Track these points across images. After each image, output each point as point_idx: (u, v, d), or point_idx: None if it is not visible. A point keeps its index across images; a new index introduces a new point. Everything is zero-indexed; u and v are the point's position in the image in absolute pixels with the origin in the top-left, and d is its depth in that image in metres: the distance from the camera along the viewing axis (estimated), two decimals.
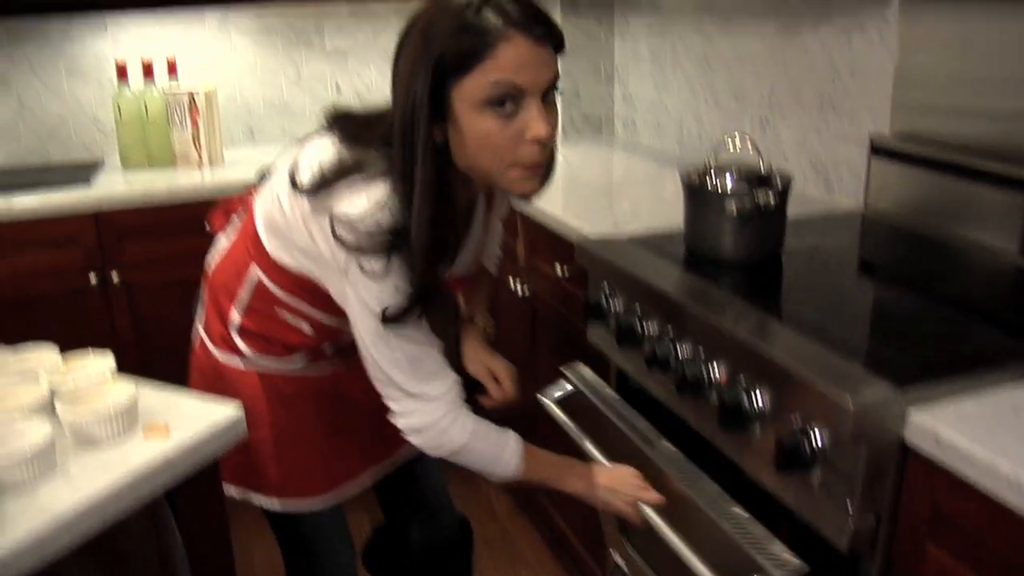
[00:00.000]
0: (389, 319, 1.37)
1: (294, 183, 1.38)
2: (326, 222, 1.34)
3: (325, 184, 1.34)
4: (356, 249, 1.32)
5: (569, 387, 1.88)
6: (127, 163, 2.95)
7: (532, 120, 1.28)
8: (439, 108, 1.29)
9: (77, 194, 2.63)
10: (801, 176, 2.38)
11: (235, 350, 1.62)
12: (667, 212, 2.11)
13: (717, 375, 1.43)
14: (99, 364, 1.38)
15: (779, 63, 2.41)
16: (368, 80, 3.34)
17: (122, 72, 2.90)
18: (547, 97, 1.31)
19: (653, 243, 1.86)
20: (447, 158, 1.35)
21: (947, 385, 1.17)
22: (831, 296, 1.62)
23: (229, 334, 1.62)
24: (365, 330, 1.41)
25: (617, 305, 1.76)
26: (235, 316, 1.60)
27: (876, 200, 2.09)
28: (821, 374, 1.20)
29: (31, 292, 2.63)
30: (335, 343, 1.63)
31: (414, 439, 1.49)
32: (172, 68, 2.97)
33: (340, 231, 1.32)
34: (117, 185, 2.72)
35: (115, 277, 2.66)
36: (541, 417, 1.86)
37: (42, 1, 2.67)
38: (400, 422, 1.48)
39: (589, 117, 3.26)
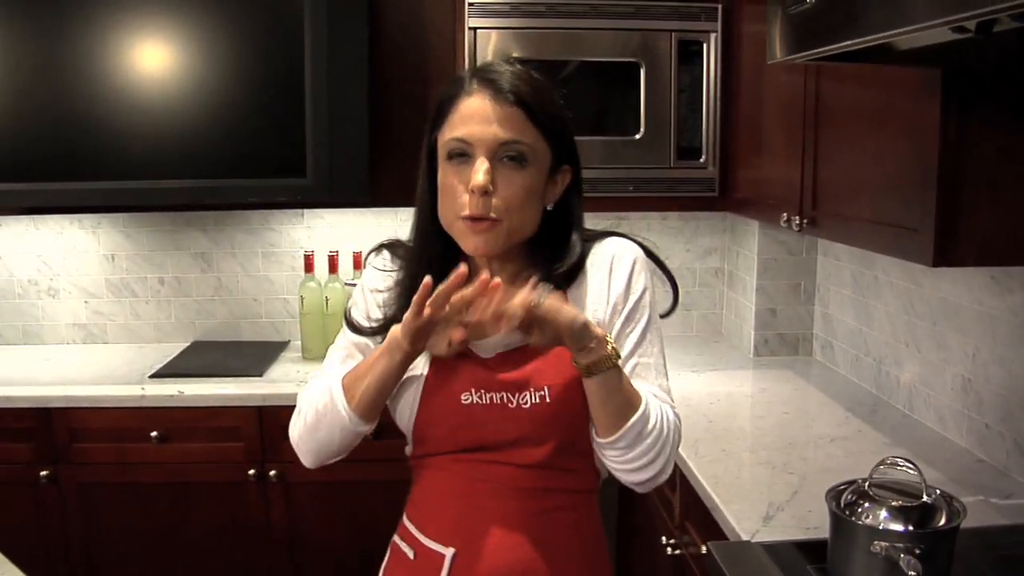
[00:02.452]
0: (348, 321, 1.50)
1: None
2: None
3: None
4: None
5: None
6: (307, 353, 2.99)
7: (473, 172, 1.32)
8: (434, 164, 1.40)
9: (245, 387, 2.68)
10: (1003, 452, 2.04)
11: None
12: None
13: None
14: None
15: (986, 321, 2.09)
16: None
17: (309, 263, 2.97)
18: (506, 160, 1.33)
19: (792, 559, 1.60)
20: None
21: None
22: None
23: None
24: None
25: None
26: None
27: None
28: None
29: (191, 477, 2.69)
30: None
31: None
32: (357, 262, 3.01)
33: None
34: (285, 381, 2.75)
35: (272, 473, 2.67)
36: None
37: (241, 202, 2.79)
38: None
39: (785, 336, 3.00)
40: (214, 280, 3.21)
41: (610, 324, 1.42)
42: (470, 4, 2.60)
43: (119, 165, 2.66)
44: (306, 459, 1.48)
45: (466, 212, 1.33)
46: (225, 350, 3.07)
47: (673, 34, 2.65)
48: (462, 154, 1.33)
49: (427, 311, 1.27)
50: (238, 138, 2.66)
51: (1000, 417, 2.05)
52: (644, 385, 1.40)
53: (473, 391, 1.39)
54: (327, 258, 2.99)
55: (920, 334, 2.37)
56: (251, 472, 2.67)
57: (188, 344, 3.16)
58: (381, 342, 1.40)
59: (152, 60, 2.62)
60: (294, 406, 2.61)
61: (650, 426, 1.34)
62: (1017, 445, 1.99)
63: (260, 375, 2.80)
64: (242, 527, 2.72)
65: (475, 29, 2.61)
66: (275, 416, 2.66)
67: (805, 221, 2.18)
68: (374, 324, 1.47)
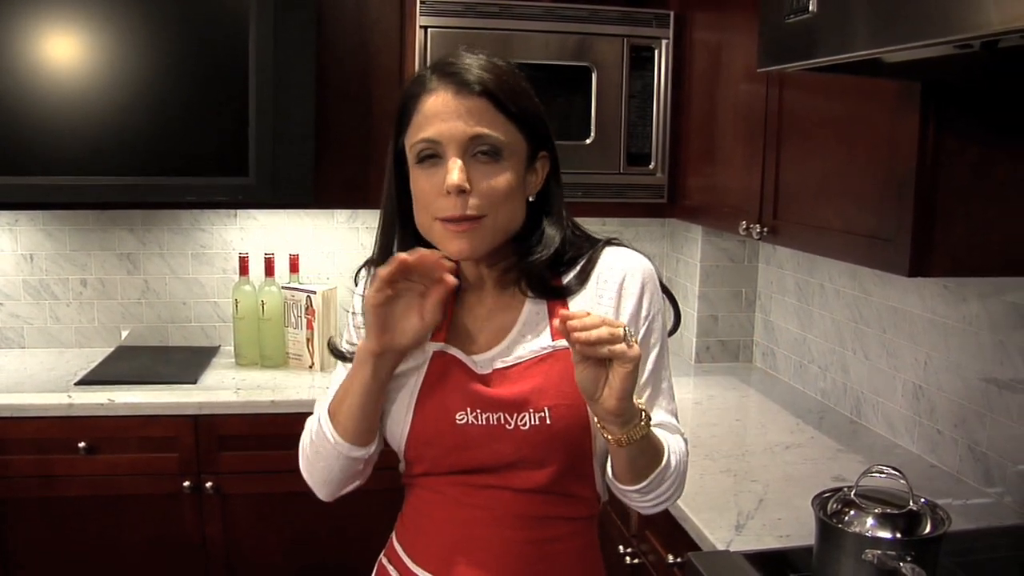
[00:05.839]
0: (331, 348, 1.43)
1: None
2: None
3: None
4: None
5: None
6: (240, 359, 2.88)
7: (446, 172, 1.23)
8: (404, 170, 1.32)
9: (179, 395, 2.56)
10: (956, 458, 2.09)
11: None
12: (800, 503, 1.86)
13: None
14: None
15: (939, 329, 2.14)
16: None
17: (243, 266, 2.86)
18: (480, 156, 1.25)
19: (776, 567, 1.60)
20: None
21: None
22: None
23: None
24: None
25: None
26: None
27: None
28: None
29: (121, 490, 2.56)
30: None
31: None
32: (294, 265, 2.91)
33: None
34: (221, 388, 2.65)
35: (208, 485, 2.55)
36: None
37: (179, 201, 2.66)
38: None
39: (727, 343, 3.03)
40: (140, 282, 3.06)
41: None
42: (422, 2, 2.54)
43: (45, 160, 2.50)
44: (319, 493, 1.40)
45: (443, 214, 1.24)
46: (153, 355, 2.94)
47: (625, 39, 2.64)
48: (432, 156, 1.25)
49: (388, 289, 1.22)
50: (177, 134, 2.54)
51: (953, 424, 2.10)
52: (657, 414, 1.33)
53: (468, 410, 1.30)
54: (263, 260, 2.89)
55: (869, 342, 2.41)
56: (186, 484, 2.55)
57: (113, 349, 3.00)
58: None
59: (84, 49, 2.47)
60: (231, 415, 2.57)
61: (671, 471, 1.27)
62: (971, 451, 2.04)
63: (194, 382, 2.68)
64: (176, 542, 2.60)
65: (427, 28, 2.55)
66: (211, 425, 2.56)
67: (765, 229, 2.20)
68: (352, 349, 1.37)
